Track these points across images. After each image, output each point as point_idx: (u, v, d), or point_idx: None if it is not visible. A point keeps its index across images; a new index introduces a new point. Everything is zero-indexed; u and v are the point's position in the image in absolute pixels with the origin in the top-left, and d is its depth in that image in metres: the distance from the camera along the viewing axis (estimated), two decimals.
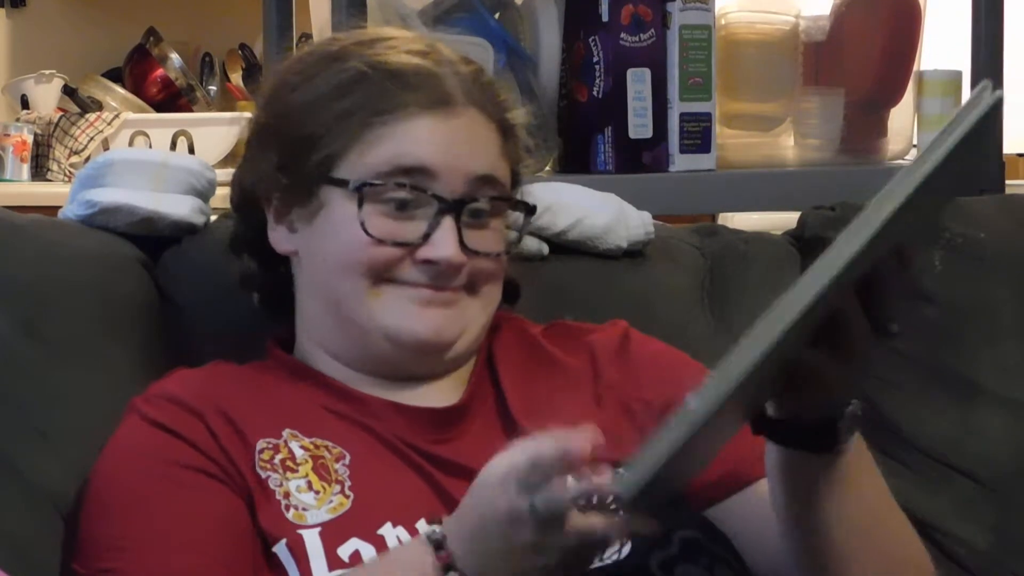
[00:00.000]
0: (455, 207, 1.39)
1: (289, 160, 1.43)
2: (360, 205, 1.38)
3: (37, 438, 1.45)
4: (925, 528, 1.76)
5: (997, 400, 1.81)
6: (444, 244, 1.38)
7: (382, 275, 1.39)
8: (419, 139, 1.39)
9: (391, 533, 1.33)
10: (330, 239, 1.41)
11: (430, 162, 1.39)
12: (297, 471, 1.36)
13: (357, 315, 1.40)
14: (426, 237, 1.39)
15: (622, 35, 2.21)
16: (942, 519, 1.77)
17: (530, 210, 1.48)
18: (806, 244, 1.88)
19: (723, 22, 2.37)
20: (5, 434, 1.44)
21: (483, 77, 1.46)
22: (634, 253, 1.79)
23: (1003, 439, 1.80)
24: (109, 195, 1.60)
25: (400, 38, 1.46)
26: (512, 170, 1.46)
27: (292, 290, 1.49)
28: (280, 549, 1.33)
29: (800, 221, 1.93)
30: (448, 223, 1.39)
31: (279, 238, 1.46)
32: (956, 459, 1.79)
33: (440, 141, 1.40)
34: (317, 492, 1.35)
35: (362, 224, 1.38)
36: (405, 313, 1.39)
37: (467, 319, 1.42)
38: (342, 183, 1.39)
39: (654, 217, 1.82)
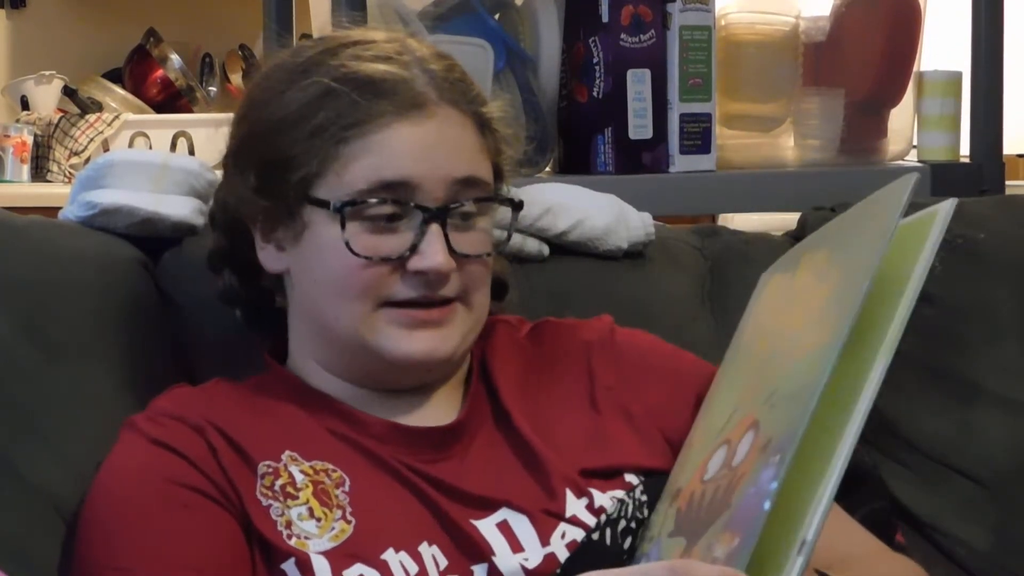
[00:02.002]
0: (439, 215, 1.37)
1: (267, 182, 1.41)
2: (343, 226, 1.36)
3: (37, 438, 1.45)
4: (925, 528, 1.76)
5: (997, 400, 1.81)
6: (432, 254, 1.36)
7: (377, 297, 1.38)
8: (396, 150, 1.37)
9: (394, 559, 1.33)
10: (318, 262, 1.39)
11: (409, 174, 1.37)
12: (298, 497, 1.35)
13: (350, 338, 1.39)
14: (413, 248, 1.37)
15: (622, 36, 2.21)
16: (942, 519, 1.77)
17: (516, 205, 1.46)
18: None
19: (723, 22, 2.37)
20: (5, 434, 1.44)
21: (454, 73, 1.43)
22: (635, 254, 1.79)
23: (1003, 439, 1.80)
24: (109, 196, 1.60)
25: (367, 42, 1.43)
26: (493, 164, 1.44)
27: (275, 304, 1.49)
28: (288, 567, 1.32)
29: (800, 221, 1.93)
30: (435, 231, 1.37)
31: (269, 257, 1.44)
32: (956, 459, 1.79)
33: (417, 149, 1.38)
34: (319, 519, 1.34)
35: (347, 244, 1.36)
36: (397, 337, 1.38)
37: (462, 332, 1.41)
38: (323, 204, 1.38)
39: (654, 218, 1.82)
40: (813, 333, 1.22)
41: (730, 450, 1.24)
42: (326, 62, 1.41)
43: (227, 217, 1.48)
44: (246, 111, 1.46)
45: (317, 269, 1.40)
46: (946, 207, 1.23)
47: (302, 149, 1.38)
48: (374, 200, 1.37)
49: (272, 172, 1.40)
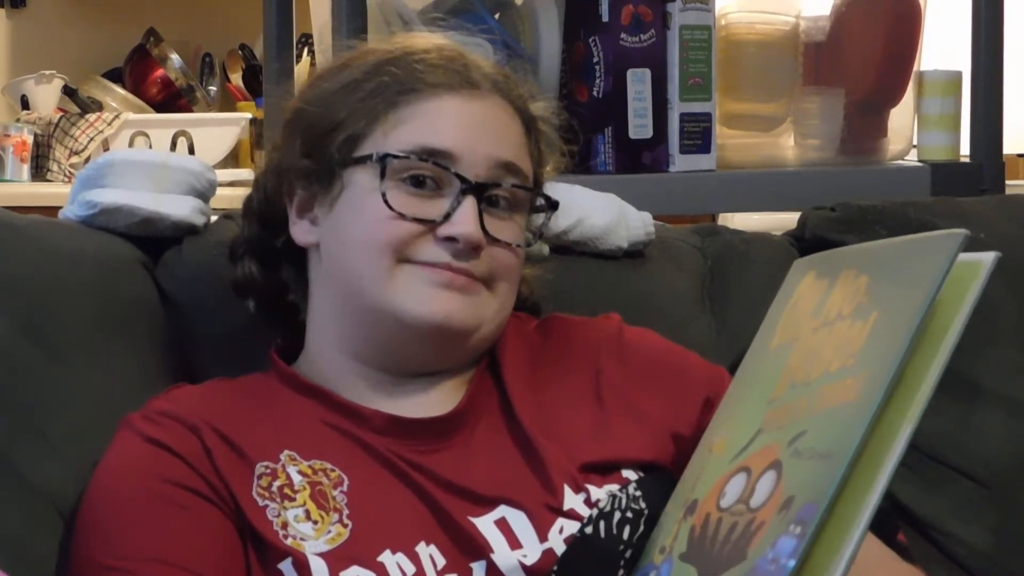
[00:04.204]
0: (477, 189, 1.40)
1: (314, 145, 1.44)
2: (382, 177, 1.39)
3: (37, 438, 1.45)
4: (925, 528, 1.76)
5: (997, 400, 1.81)
6: (464, 221, 1.39)
7: (402, 254, 1.39)
8: (444, 121, 1.41)
9: (391, 560, 1.33)
10: (351, 218, 1.41)
11: (453, 146, 1.40)
12: (295, 499, 1.36)
13: (373, 297, 1.40)
14: (447, 217, 1.39)
15: (622, 35, 2.21)
16: (942, 519, 1.77)
17: (553, 205, 1.49)
18: (806, 244, 1.88)
19: (723, 22, 2.37)
20: (5, 434, 1.44)
21: (504, 71, 1.48)
22: (635, 253, 1.79)
23: (1003, 439, 1.80)
24: (109, 196, 1.60)
25: (432, 37, 1.49)
26: (535, 172, 1.47)
27: (288, 300, 1.50)
28: (285, 566, 1.32)
29: (800, 221, 1.93)
30: (470, 202, 1.39)
31: (300, 231, 1.46)
32: (956, 459, 1.78)
33: (464, 124, 1.41)
34: (315, 522, 1.34)
35: (383, 196, 1.38)
36: (420, 295, 1.39)
37: (481, 313, 1.41)
38: (365, 159, 1.40)
39: (654, 217, 1.82)
40: (847, 383, 1.21)
41: (749, 482, 1.24)
42: (388, 45, 1.47)
43: (265, 200, 1.50)
44: (305, 87, 1.50)
45: (348, 227, 1.41)
46: (988, 263, 1.20)
47: (351, 111, 1.42)
48: (415, 159, 1.39)
49: (321, 134, 1.43)
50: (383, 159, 1.39)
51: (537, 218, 1.50)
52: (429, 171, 1.40)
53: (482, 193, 1.40)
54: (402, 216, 1.39)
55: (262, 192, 1.51)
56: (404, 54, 1.44)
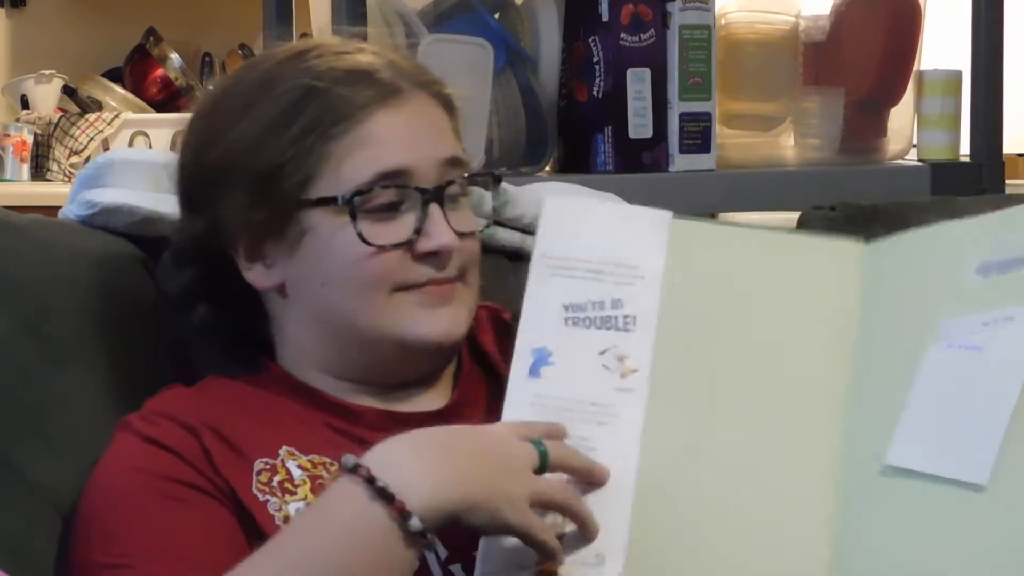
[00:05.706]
0: (436, 194, 1.39)
1: (260, 195, 1.39)
2: (354, 217, 1.37)
3: (37, 438, 1.45)
4: None
5: None
6: (439, 234, 1.38)
7: (392, 283, 1.38)
8: (388, 140, 1.39)
9: None
10: (327, 263, 1.39)
11: (405, 161, 1.38)
12: (296, 493, 1.35)
13: (369, 328, 1.39)
14: (419, 231, 1.39)
15: (622, 35, 2.21)
16: None
17: (496, 179, 1.50)
18: None
19: (723, 22, 2.37)
20: (5, 434, 1.44)
21: (412, 60, 1.46)
22: None
23: None
24: (109, 195, 1.60)
25: (324, 45, 1.44)
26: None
27: (250, 332, 1.47)
28: None
29: (800, 221, 1.93)
30: (435, 211, 1.39)
31: (257, 276, 1.43)
32: None
33: (406, 136, 1.40)
34: None
35: (360, 235, 1.37)
36: (418, 317, 1.39)
37: (468, 312, 1.42)
38: (328, 201, 1.38)
39: None
40: None
41: None
42: (294, 66, 1.41)
43: (203, 247, 1.45)
44: (212, 136, 1.44)
45: (326, 270, 1.40)
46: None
47: (292, 154, 1.38)
48: (378, 187, 1.38)
49: (264, 184, 1.39)
50: (351, 200, 1.37)
51: (486, 200, 1.49)
52: (393, 196, 1.38)
53: (441, 196, 1.40)
54: (382, 248, 1.38)
55: (193, 241, 1.46)
56: (317, 78, 1.39)
